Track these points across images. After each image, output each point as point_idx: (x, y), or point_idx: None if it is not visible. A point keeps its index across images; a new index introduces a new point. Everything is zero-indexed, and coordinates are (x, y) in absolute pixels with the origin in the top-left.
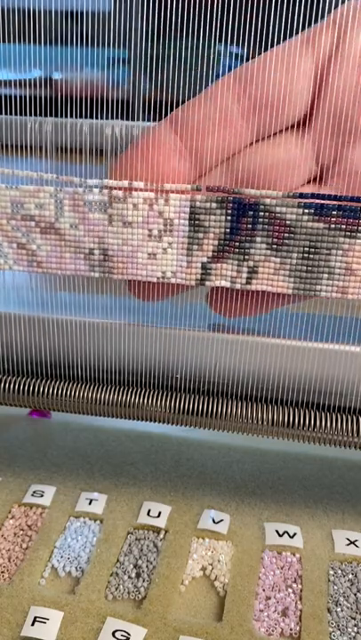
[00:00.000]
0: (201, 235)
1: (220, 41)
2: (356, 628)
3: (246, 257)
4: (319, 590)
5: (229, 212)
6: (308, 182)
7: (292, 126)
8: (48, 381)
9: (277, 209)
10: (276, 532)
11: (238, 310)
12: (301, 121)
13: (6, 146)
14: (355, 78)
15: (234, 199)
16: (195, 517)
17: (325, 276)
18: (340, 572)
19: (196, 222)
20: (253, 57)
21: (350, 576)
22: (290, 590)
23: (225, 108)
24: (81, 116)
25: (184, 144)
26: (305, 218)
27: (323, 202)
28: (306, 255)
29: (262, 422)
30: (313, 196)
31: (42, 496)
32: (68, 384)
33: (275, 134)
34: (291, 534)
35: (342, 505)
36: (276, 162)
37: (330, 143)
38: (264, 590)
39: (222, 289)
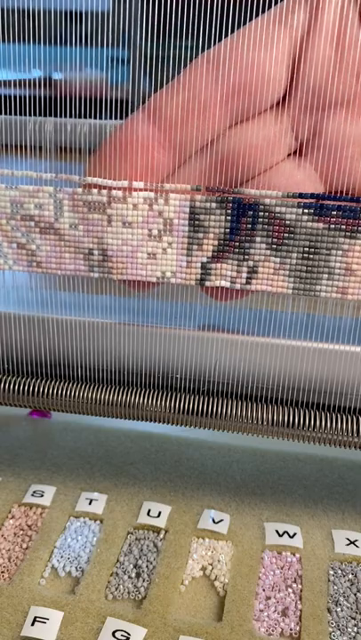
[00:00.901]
0: (201, 235)
1: (220, 41)
2: (356, 628)
3: (246, 257)
4: (319, 590)
5: (229, 211)
6: (289, 156)
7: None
8: (48, 381)
9: (277, 209)
10: (276, 531)
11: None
12: (280, 98)
13: (6, 146)
14: (329, 53)
15: (234, 199)
16: (195, 517)
17: (325, 276)
18: (340, 572)
19: (196, 222)
20: None
21: (350, 576)
22: (290, 590)
23: (201, 95)
24: (81, 116)
25: (162, 134)
26: (305, 218)
27: (323, 202)
28: (306, 255)
29: (262, 422)
30: (313, 196)
31: (42, 496)
32: (69, 384)
33: (253, 115)
34: (291, 534)
35: (342, 505)
36: (256, 141)
37: (307, 118)
38: (264, 590)
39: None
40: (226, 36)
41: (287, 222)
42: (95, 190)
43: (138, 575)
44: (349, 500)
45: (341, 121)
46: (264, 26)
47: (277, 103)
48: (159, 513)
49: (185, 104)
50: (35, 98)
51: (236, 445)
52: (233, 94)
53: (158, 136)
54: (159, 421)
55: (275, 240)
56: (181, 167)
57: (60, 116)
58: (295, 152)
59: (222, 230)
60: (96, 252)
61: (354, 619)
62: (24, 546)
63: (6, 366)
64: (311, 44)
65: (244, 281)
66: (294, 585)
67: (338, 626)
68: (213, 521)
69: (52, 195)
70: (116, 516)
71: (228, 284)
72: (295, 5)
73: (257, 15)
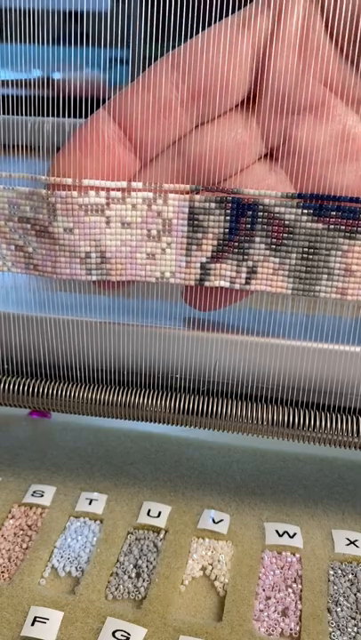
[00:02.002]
0: (200, 235)
1: None
2: (356, 628)
3: (245, 257)
4: (319, 590)
5: (228, 212)
6: (260, 159)
7: (238, 107)
8: (48, 382)
9: (276, 209)
10: (276, 531)
11: (211, 303)
12: (246, 101)
13: (6, 146)
14: (294, 59)
15: (233, 199)
16: (195, 517)
17: (325, 276)
18: (340, 571)
19: (195, 222)
20: None
21: (350, 576)
22: (290, 590)
23: (162, 96)
24: (81, 116)
25: (125, 133)
26: (304, 218)
27: (322, 202)
28: (305, 256)
29: (262, 422)
30: (312, 196)
31: (42, 496)
32: (68, 384)
33: (219, 117)
34: (291, 534)
35: (342, 505)
36: (224, 143)
37: (276, 123)
38: (264, 590)
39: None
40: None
41: (286, 222)
42: (92, 192)
43: (138, 575)
44: (349, 500)
45: (310, 126)
46: (227, 30)
47: (245, 107)
48: (159, 513)
49: (146, 104)
50: (35, 98)
51: (236, 445)
52: (194, 96)
53: (121, 135)
54: (159, 421)
55: (274, 240)
56: (148, 167)
57: (60, 116)
58: (266, 156)
59: (221, 230)
60: (94, 255)
61: (354, 619)
62: (24, 546)
63: (6, 367)
64: (275, 49)
65: (243, 281)
66: (294, 585)
67: (338, 626)
68: (213, 521)
69: (45, 198)
70: (116, 516)
71: (227, 285)
72: (259, 11)
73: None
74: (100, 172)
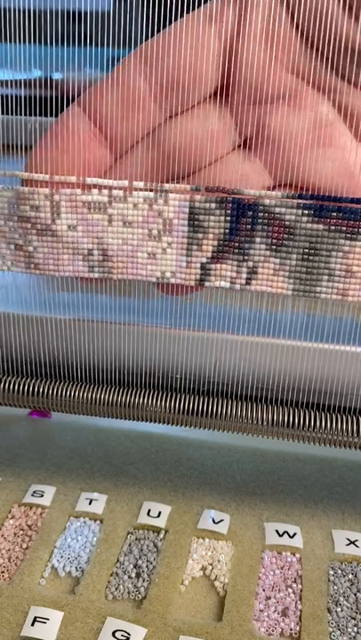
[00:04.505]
0: (200, 235)
1: None
2: (356, 628)
3: (246, 257)
4: (319, 590)
5: (229, 212)
6: (235, 149)
7: (210, 98)
8: (48, 382)
9: (276, 209)
10: (276, 531)
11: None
12: (218, 92)
13: (8, 146)
14: (261, 50)
15: (233, 199)
16: (195, 517)
17: (325, 277)
18: (340, 571)
19: (196, 222)
20: None
21: (350, 576)
22: (290, 590)
23: (133, 89)
24: None
25: (98, 127)
26: (304, 219)
27: (322, 203)
28: (306, 256)
29: (262, 422)
30: (312, 197)
31: (42, 496)
32: (68, 384)
33: (192, 108)
34: (291, 534)
35: (342, 505)
36: (197, 134)
37: (249, 113)
38: (264, 590)
39: None
40: None
41: (287, 223)
42: (95, 190)
43: (138, 575)
44: (349, 500)
45: (283, 115)
46: (194, 23)
47: (218, 98)
48: (159, 513)
49: (118, 98)
50: (35, 98)
51: (236, 445)
52: (164, 89)
53: (94, 129)
54: (159, 421)
55: (274, 241)
56: (123, 161)
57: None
58: (241, 145)
59: (222, 231)
60: (96, 252)
61: (354, 619)
62: (24, 546)
63: (6, 366)
64: (242, 41)
65: (243, 281)
66: (294, 585)
67: (338, 626)
68: (213, 521)
69: (48, 196)
70: (116, 516)
71: (227, 285)
72: (224, 3)
73: None
74: (75, 168)
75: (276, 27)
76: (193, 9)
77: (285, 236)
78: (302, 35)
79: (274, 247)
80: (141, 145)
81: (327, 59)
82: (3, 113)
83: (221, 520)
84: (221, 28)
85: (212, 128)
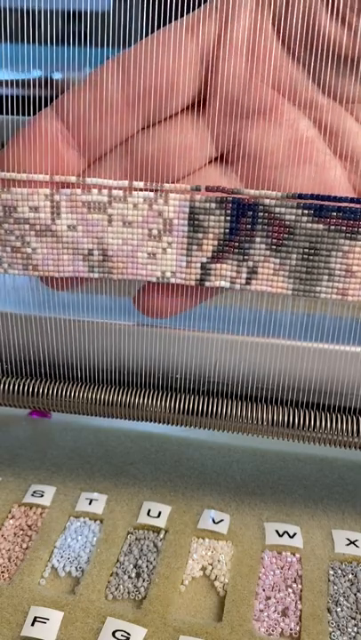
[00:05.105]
0: (200, 235)
1: None
2: (356, 628)
3: (246, 257)
4: (319, 590)
5: (229, 212)
6: (212, 162)
7: (187, 109)
8: (48, 382)
9: (277, 209)
10: (276, 531)
11: (165, 309)
12: (195, 105)
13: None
14: (242, 63)
15: (233, 199)
16: (195, 517)
17: (325, 277)
18: (340, 571)
19: (196, 222)
20: None
21: (350, 576)
22: (290, 590)
23: (108, 96)
24: None
25: (70, 132)
26: (304, 219)
27: (322, 203)
28: (306, 256)
29: (262, 422)
30: (313, 196)
31: (42, 496)
32: (68, 384)
33: (168, 118)
34: (291, 534)
35: (342, 505)
36: (171, 145)
37: (226, 127)
38: (264, 590)
39: (150, 286)
40: None
41: (287, 223)
42: (95, 190)
43: (138, 575)
44: (349, 500)
45: (262, 130)
46: (174, 33)
47: (195, 110)
48: (159, 513)
49: (91, 103)
50: (35, 98)
51: (236, 445)
52: (139, 98)
53: (66, 134)
54: (159, 421)
55: (274, 241)
56: (96, 167)
57: None
58: (218, 159)
59: (222, 230)
60: (96, 253)
61: (354, 619)
62: (24, 546)
63: (6, 367)
64: (223, 53)
65: (243, 281)
66: (294, 585)
67: (338, 626)
68: (213, 521)
69: (49, 197)
70: (116, 516)
71: (227, 285)
72: (206, 15)
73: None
74: (44, 169)
75: (260, 39)
76: (193, 9)
77: (285, 235)
78: (287, 49)
79: (274, 247)
80: (115, 152)
81: (312, 72)
82: (2, 113)
83: (221, 520)
84: (202, 39)
85: (186, 140)
